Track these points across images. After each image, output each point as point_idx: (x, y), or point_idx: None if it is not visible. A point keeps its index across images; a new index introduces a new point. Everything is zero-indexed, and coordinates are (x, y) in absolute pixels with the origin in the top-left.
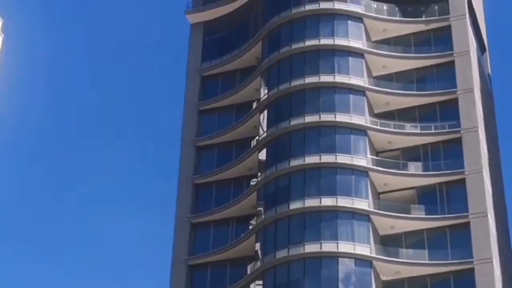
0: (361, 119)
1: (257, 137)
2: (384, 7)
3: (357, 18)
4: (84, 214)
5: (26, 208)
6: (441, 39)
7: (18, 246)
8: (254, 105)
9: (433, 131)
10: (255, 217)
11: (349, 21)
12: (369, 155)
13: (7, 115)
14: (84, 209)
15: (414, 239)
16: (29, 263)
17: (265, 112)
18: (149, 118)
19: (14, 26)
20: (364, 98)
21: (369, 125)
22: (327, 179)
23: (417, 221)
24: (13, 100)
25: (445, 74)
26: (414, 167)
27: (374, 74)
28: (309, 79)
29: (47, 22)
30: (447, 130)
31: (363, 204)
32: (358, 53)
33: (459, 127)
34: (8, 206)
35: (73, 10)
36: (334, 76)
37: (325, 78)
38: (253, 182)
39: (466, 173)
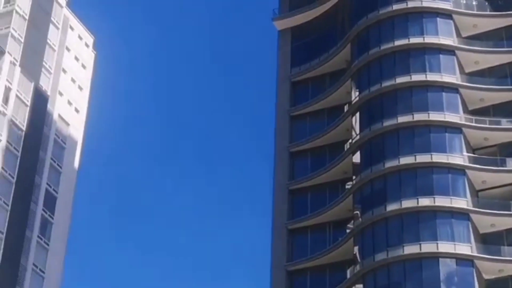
0: (456, 117)
1: (350, 140)
2: (474, 2)
3: (446, 15)
4: (188, 223)
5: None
6: None
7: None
8: (346, 108)
9: None
10: (352, 221)
11: (438, 18)
12: (465, 153)
13: (104, 126)
14: (188, 219)
15: None
16: (137, 266)
17: (357, 114)
18: (241, 126)
19: (105, 43)
20: (458, 95)
21: (464, 122)
22: (424, 179)
23: None
24: (104, 112)
25: None
26: None
27: (467, 71)
28: (400, 79)
29: (135, 37)
30: None
31: (462, 203)
32: (449, 50)
33: None
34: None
35: (158, 27)
36: (426, 74)
37: (417, 77)
38: (348, 185)
39: None
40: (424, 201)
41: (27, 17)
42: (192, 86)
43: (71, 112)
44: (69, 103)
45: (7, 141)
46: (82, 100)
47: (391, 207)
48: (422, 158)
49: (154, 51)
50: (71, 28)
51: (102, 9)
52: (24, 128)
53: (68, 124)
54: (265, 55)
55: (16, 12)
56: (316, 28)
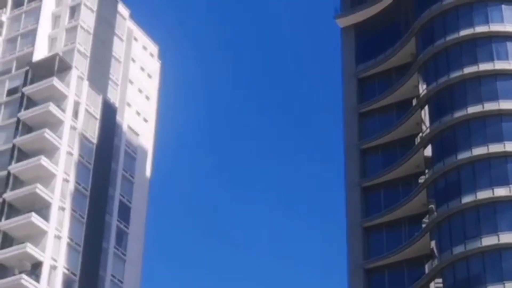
0: None
1: (420, 134)
2: None
3: (511, 1)
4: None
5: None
6: None
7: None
8: (414, 102)
9: None
10: (427, 215)
11: (503, 6)
12: None
13: (169, 135)
14: (263, 226)
15: None
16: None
17: (426, 107)
18: (309, 126)
19: (170, 52)
20: None
21: None
22: (498, 169)
23: None
24: (173, 120)
25: None
26: None
27: None
28: (468, 69)
29: (199, 43)
30: None
31: None
32: None
33: None
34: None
35: (222, 31)
36: (494, 63)
37: (485, 67)
38: (421, 179)
39: None
40: (500, 191)
41: (91, 31)
42: (257, 87)
43: (140, 122)
44: (138, 113)
45: (79, 155)
46: (150, 110)
47: (467, 199)
48: (495, 147)
49: (218, 55)
50: (135, 39)
51: (165, 17)
52: (95, 141)
53: (137, 135)
54: (329, 53)
55: (81, 27)
56: (379, 23)
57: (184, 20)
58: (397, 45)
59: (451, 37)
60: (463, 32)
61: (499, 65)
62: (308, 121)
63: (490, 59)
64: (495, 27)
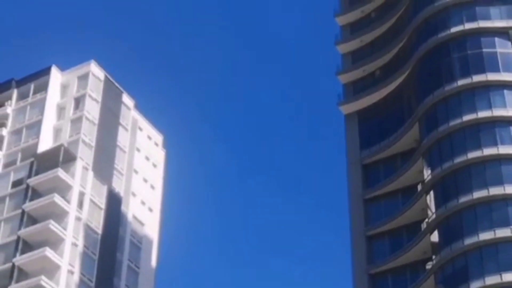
0: None
1: (426, 220)
2: None
3: None
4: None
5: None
6: None
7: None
8: (419, 187)
9: None
10: None
11: (505, 91)
12: None
13: (175, 218)
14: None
15: None
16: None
17: (431, 193)
18: (314, 213)
19: (175, 140)
20: None
21: None
22: (505, 254)
23: None
24: (178, 209)
25: None
26: None
27: None
28: (472, 154)
29: (204, 133)
30: None
31: None
32: None
33: None
34: None
35: (224, 122)
36: (498, 148)
37: (489, 151)
38: (428, 265)
39: None
40: (508, 277)
41: (96, 122)
42: (261, 174)
43: (145, 212)
44: (143, 203)
45: (84, 245)
46: (155, 199)
47: (475, 285)
48: (502, 232)
49: (223, 144)
50: (140, 129)
51: (169, 107)
52: (100, 231)
53: (143, 224)
54: (333, 139)
55: (86, 117)
56: (382, 110)
57: (189, 110)
58: (401, 130)
59: (454, 122)
60: (466, 117)
61: (503, 149)
62: (314, 209)
63: (494, 143)
64: (498, 112)
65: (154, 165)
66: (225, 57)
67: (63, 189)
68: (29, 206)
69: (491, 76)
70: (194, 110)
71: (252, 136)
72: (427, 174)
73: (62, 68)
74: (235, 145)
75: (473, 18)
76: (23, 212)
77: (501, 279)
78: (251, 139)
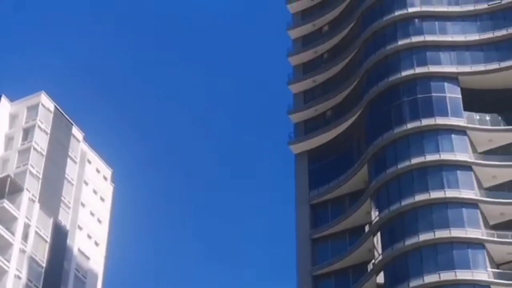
0: (477, 232)
1: (373, 261)
2: (487, 118)
3: (461, 131)
4: None
5: None
6: None
7: None
8: (367, 228)
9: None
10: None
11: (453, 135)
12: (489, 269)
13: (119, 259)
14: None
15: None
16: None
17: (379, 234)
18: (263, 252)
19: (122, 176)
20: (478, 211)
21: (486, 237)
22: None
23: None
24: (125, 244)
25: None
26: None
27: (485, 186)
28: (419, 197)
29: (153, 167)
30: None
31: None
32: (466, 166)
33: None
34: None
35: (172, 160)
36: (445, 191)
37: (436, 195)
38: None
39: None
40: None
41: (44, 153)
42: (206, 211)
43: (91, 245)
44: (89, 236)
45: (28, 279)
46: (102, 233)
47: None
48: (447, 276)
49: (170, 180)
50: (89, 162)
51: (119, 141)
52: (44, 264)
53: (88, 258)
54: (283, 179)
55: (34, 148)
56: (332, 150)
57: (139, 145)
58: (350, 171)
59: (403, 165)
60: (415, 160)
61: (450, 193)
62: (262, 246)
63: (441, 187)
64: (445, 156)
65: (102, 199)
66: (177, 97)
67: (8, 221)
68: None
69: (440, 120)
70: (144, 146)
71: (201, 173)
72: (374, 215)
73: (12, 98)
74: (183, 182)
75: (423, 63)
76: None
77: None
78: (199, 177)
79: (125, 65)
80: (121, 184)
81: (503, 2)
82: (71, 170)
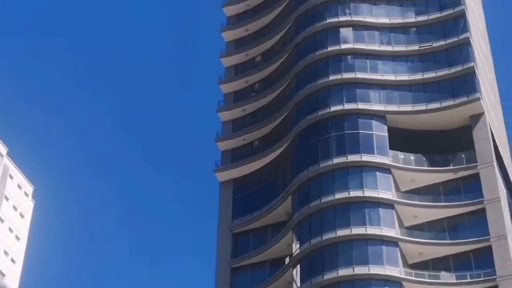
0: (395, 271)
1: None
2: (412, 157)
3: (385, 169)
4: None
5: None
6: (471, 187)
7: None
8: (287, 260)
9: (468, 280)
10: None
11: (377, 173)
12: None
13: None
14: None
15: None
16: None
17: (298, 267)
18: (183, 276)
19: (44, 193)
20: (397, 249)
21: (404, 276)
22: None
23: None
24: (42, 262)
25: (477, 222)
26: None
27: (406, 224)
28: (341, 232)
29: (75, 188)
30: (482, 278)
31: None
32: (388, 204)
33: (495, 275)
34: None
35: (95, 179)
36: (366, 228)
37: (357, 231)
38: None
39: None
40: None
41: None
42: (133, 232)
43: (7, 262)
44: (6, 253)
45: None
46: (19, 250)
47: None
48: None
49: (93, 199)
50: (11, 177)
51: (43, 159)
52: None
53: (3, 275)
54: (208, 206)
55: None
56: (258, 180)
57: (62, 163)
58: (274, 202)
59: (326, 199)
60: (338, 195)
61: (371, 230)
62: (182, 271)
63: (363, 223)
64: (369, 193)
65: (22, 215)
66: (103, 122)
67: None
68: None
69: (366, 157)
70: (68, 165)
71: (126, 195)
72: (295, 248)
73: None
74: (104, 201)
75: (353, 99)
76: None
77: None
78: (125, 197)
79: (53, 81)
80: (42, 201)
81: (433, 45)
82: None
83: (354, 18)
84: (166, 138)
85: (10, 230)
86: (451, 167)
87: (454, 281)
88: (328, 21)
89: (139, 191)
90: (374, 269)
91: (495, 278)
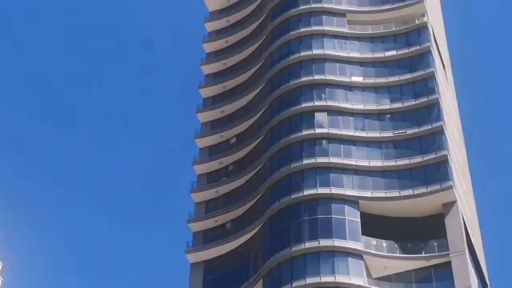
0: None
1: None
2: (384, 244)
3: (357, 255)
4: None
5: None
6: (442, 275)
7: None
8: None
9: None
10: None
11: (349, 258)
12: None
13: None
14: None
15: None
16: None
17: None
18: None
19: (13, 270)
20: None
21: None
22: None
23: None
24: None
25: None
26: None
27: None
28: None
29: (44, 264)
30: None
31: None
32: None
33: None
34: None
35: (68, 250)
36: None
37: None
38: None
39: None
40: None
41: None
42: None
43: None
44: None
45: None
46: None
47: None
48: None
49: (64, 274)
50: None
51: (12, 234)
52: None
53: None
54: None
55: None
56: (229, 263)
57: (31, 238)
58: (245, 286)
59: (298, 284)
60: (310, 280)
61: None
62: None
63: None
64: (340, 279)
65: None
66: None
67: None
68: None
69: (338, 243)
70: (37, 240)
71: (98, 275)
72: None
73: None
74: (82, 275)
75: (326, 184)
76: None
77: None
78: (98, 276)
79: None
80: (10, 277)
81: (407, 132)
82: None
83: (329, 103)
84: (138, 217)
85: None
86: (423, 254)
87: None
88: (303, 105)
89: (108, 270)
90: None
91: None
